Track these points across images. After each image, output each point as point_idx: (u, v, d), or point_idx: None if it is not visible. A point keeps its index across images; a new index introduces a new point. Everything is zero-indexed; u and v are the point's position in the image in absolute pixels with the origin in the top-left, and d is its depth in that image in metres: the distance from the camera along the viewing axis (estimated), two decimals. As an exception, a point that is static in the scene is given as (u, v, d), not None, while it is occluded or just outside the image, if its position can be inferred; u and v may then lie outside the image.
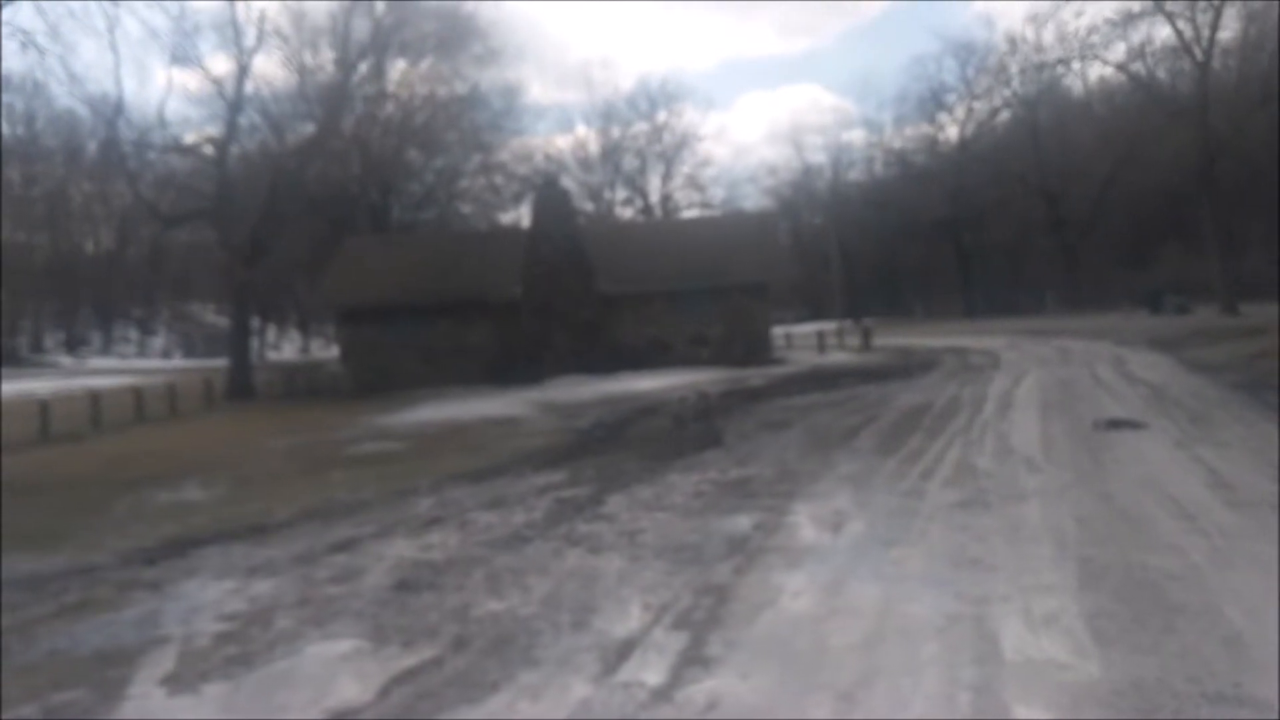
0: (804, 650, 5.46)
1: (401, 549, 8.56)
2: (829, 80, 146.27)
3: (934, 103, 72.54)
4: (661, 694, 4.97)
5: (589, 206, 71.62)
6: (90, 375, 45.88)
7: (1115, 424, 13.31)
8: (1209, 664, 4.95)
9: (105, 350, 70.44)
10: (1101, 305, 57.20)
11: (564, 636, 5.92)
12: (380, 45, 42.42)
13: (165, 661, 5.92)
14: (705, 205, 76.96)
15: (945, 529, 8.06)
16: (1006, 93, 68.48)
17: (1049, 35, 58.96)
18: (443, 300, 31.00)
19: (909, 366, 26.48)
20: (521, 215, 56.07)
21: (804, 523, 8.60)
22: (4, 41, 25.49)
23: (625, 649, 5.62)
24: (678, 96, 77.81)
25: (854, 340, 40.39)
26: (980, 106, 71.19)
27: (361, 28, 41.09)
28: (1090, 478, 9.83)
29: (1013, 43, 64.79)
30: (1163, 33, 50.42)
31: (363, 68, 42.01)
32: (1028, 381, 20.08)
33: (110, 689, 5.55)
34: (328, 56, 42.11)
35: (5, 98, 55.77)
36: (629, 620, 6.14)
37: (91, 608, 7.32)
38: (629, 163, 77.15)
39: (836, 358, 33.44)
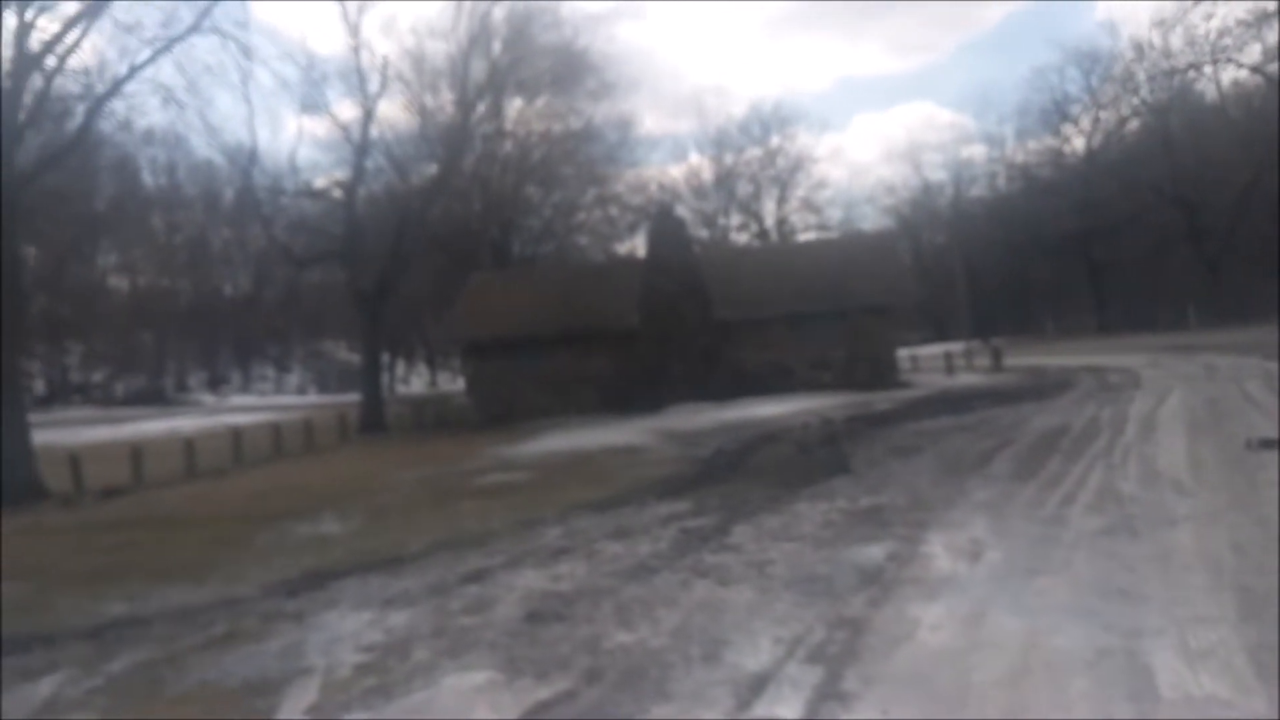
0: (945, 686, 5.29)
1: (531, 580, 8.62)
2: (944, 97, 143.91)
3: (1058, 114, 70.49)
4: (799, 730, 4.87)
5: (704, 233, 71.69)
6: (231, 412, 47.69)
7: (1269, 444, 12.60)
8: (1387, 701, 4.62)
9: (245, 388, 73.09)
10: (1247, 318, 54.51)
11: (696, 670, 5.85)
12: (498, 85, 43.33)
13: (309, 692, 6.06)
14: (822, 227, 76.32)
15: (1090, 557, 7.73)
16: (1135, 101, 66.24)
17: (1177, 40, 56.93)
18: (563, 331, 31.36)
19: (1043, 387, 25.67)
20: (637, 245, 56.47)
21: (940, 552, 8.37)
22: (148, 97, 26.94)
23: (759, 683, 5.53)
24: (791, 120, 77.05)
25: (983, 361, 39.42)
26: (1107, 116, 68.95)
27: (479, 69, 42.06)
28: (1245, 501, 9.31)
29: (1139, 49, 62.74)
30: (1299, 31, 48.20)
31: (481, 108, 42.94)
32: (1172, 400, 19.24)
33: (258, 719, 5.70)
34: (448, 98, 43.15)
35: (148, 150, 59.02)
36: (761, 654, 6.04)
37: (238, 639, 7.54)
38: (743, 188, 77.07)
39: (965, 379, 32.65)
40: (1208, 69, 58.30)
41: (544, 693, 5.68)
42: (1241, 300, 58.73)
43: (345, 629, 7.48)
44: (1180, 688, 4.97)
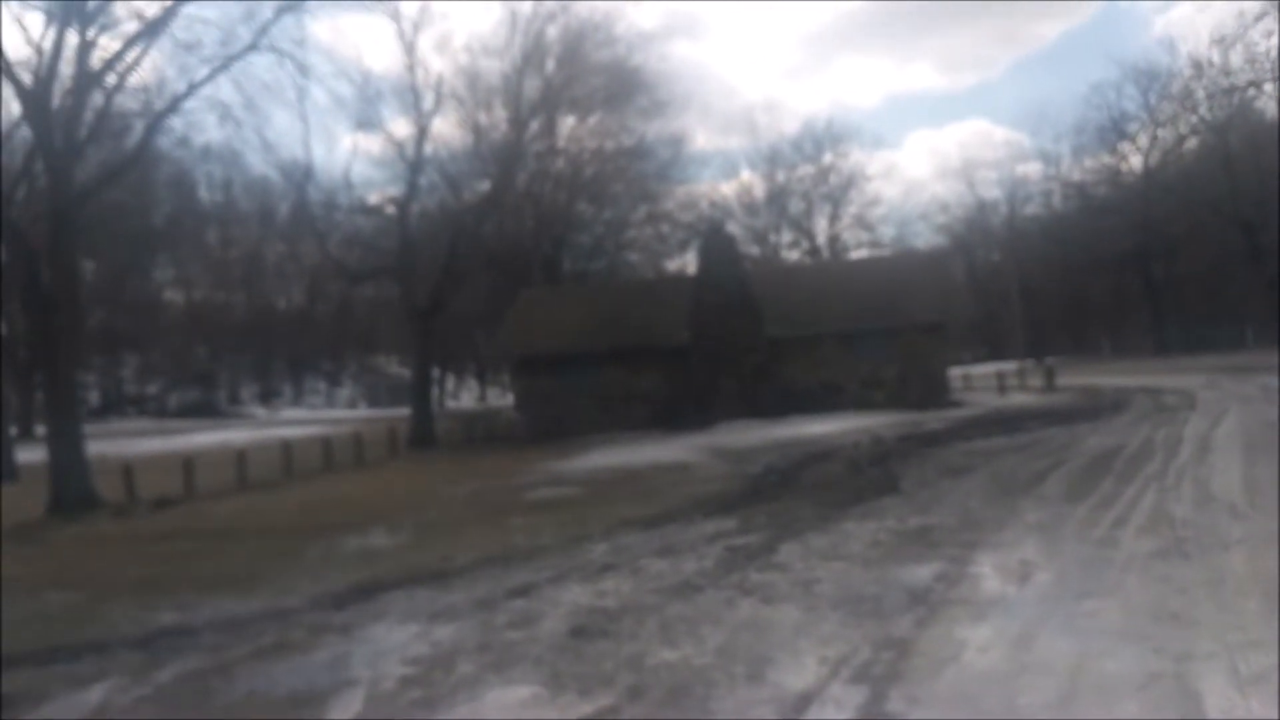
0: (992, 708, 5.21)
1: (577, 595, 8.63)
2: (999, 114, 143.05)
3: (1115, 132, 69.53)
4: (842, 750, 4.83)
5: (755, 251, 71.61)
6: (282, 425, 48.21)
7: (1329, 467, 12.33)
8: None
9: (296, 401, 73.86)
10: (1307, 339, 53.41)
11: (739, 688, 5.82)
12: (551, 103, 43.71)
13: (353, 704, 6.09)
14: (875, 245, 76.06)
15: (1142, 580, 7.61)
16: (1193, 119, 65.05)
17: (1237, 57, 55.75)
18: (613, 348, 31.43)
19: (1097, 407, 25.32)
20: (688, 262, 56.48)
21: (989, 573, 8.28)
22: (206, 114, 27.23)
23: (802, 703, 5.49)
24: (843, 137, 76.81)
25: (1036, 380, 38.98)
26: (1165, 134, 67.88)
27: (533, 87, 42.50)
28: (1303, 525, 9.11)
29: (1198, 66, 61.35)
30: (1363, 48, 47.06)
31: (534, 125, 43.35)
32: (1228, 422, 18.89)
33: (303, 730, 5.76)
34: (501, 116, 43.65)
35: (205, 166, 60.17)
36: (805, 673, 6.00)
37: (286, 650, 7.61)
38: (795, 205, 76.99)
39: (1018, 399, 32.29)
40: (1268, 87, 56.98)
41: (587, 708, 5.67)
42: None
43: (391, 642, 7.53)
44: (1229, 712, 4.88)
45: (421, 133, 37.89)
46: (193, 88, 23.11)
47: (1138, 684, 5.35)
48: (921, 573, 8.44)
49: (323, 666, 7.02)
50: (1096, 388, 33.59)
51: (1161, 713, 4.94)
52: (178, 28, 22.73)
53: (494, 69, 43.81)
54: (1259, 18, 41.99)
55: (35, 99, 21.04)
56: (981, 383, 39.95)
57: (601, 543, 11.30)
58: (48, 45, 21.23)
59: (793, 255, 74.96)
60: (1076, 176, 73.80)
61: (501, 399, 61.21)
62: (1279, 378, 26.01)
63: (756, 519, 12.20)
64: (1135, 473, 13.35)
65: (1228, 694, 5.12)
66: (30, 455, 26.87)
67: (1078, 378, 40.05)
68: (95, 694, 6.76)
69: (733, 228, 60.42)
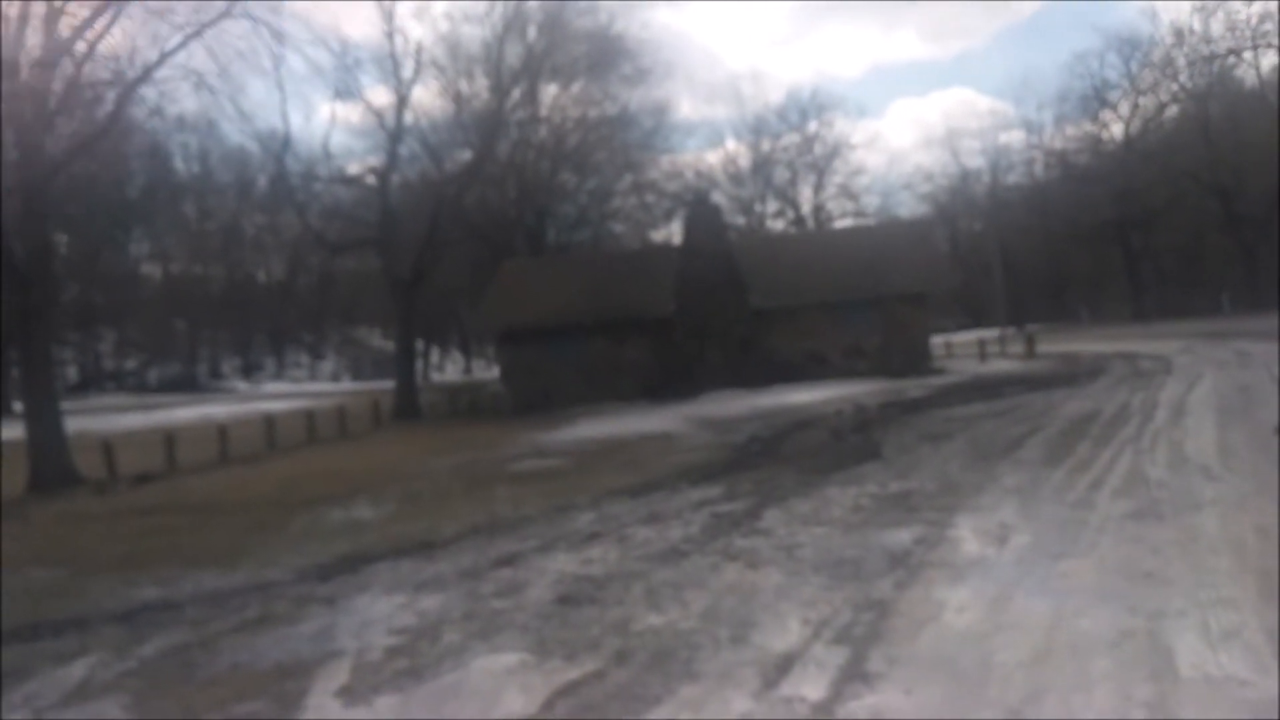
0: (969, 666, 5.32)
1: (563, 563, 8.71)
2: (983, 83, 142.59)
3: (1097, 100, 69.42)
4: (823, 709, 4.92)
5: (740, 220, 71.50)
6: (265, 399, 47.98)
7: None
8: (1405, 684, 4.61)
9: (278, 375, 73.37)
10: (1284, 304, 53.76)
11: (723, 651, 5.92)
12: (533, 71, 43.33)
13: (340, 674, 6.15)
14: (859, 214, 75.99)
15: (1116, 541, 7.74)
16: (1174, 87, 65.21)
17: (1218, 25, 55.97)
18: (598, 319, 31.43)
19: (1075, 374, 25.49)
20: (673, 232, 56.32)
21: (967, 536, 8.40)
22: (179, 83, 26.47)
23: (785, 663, 5.59)
24: (828, 106, 76.41)
25: (1017, 348, 39.19)
26: (1146, 102, 67.93)
27: (514, 54, 42.10)
28: (1272, 486, 9.18)
29: (1179, 35, 61.67)
30: (1341, 15, 47.30)
31: (516, 93, 42.98)
32: (1203, 387, 19.05)
33: (288, 700, 5.80)
34: (482, 84, 43.31)
35: (180, 137, 59.31)
36: (788, 635, 6.10)
37: (270, 622, 7.66)
38: (780, 175, 76.75)
39: (999, 366, 32.48)
40: (1248, 55, 57.34)
41: (573, 673, 5.76)
42: (1278, 288, 57.86)
43: (377, 612, 7.59)
44: (1200, 668, 5.00)
45: (401, 101, 37.66)
46: (165, 55, 22.57)
47: (1111, 641, 5.48)
48: (901, 536, 8.55)
49: (308, 638, 7.07)
50: (1076, 354, 33.80)
51: (1133, 669, 5.05)
52: (148, -7, 22.25)
53: (475, 36, 43.45)
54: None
55: (2, 68, 20.58)
56: (963, 350, 40.15)
57: (588, 512, 11.38)
58: (14, 12, 20.59)
59: (778, 225, 74.84)
60: (1059, 145, 73.82)
61: (487, 371, 61.15)
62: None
63: (741, 486, 12.31)
64: (1111, 436, 13.50)
65: (1199, 650, 5.24)
66: (9, 432, 26.73)
67: (1058, 345, 40.26)
68: (78, 669, 6.78)
69: (718, 197, 60.35)
